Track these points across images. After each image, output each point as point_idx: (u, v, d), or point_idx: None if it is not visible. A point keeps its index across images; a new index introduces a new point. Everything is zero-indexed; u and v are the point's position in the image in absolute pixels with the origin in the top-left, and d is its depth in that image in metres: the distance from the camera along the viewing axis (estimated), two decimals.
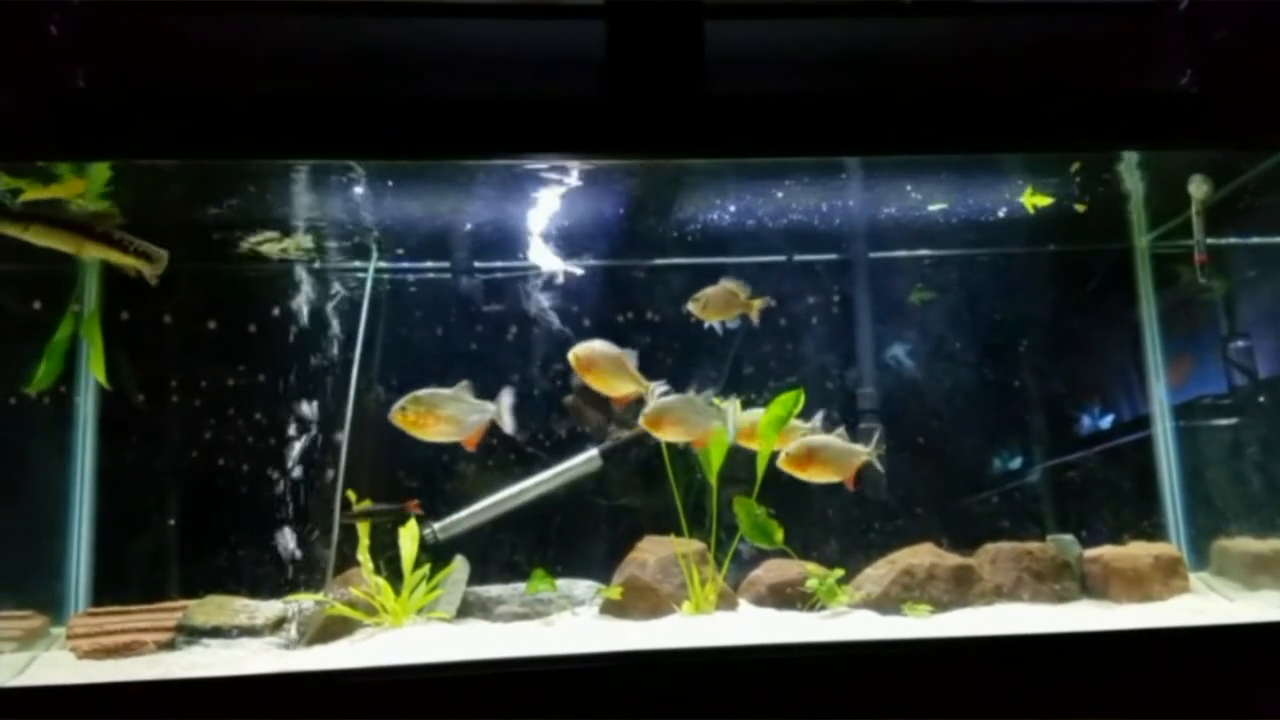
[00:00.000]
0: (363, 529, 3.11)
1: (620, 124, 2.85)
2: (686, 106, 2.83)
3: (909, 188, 3.59)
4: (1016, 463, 3.91)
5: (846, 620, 3.03)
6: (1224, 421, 3.66)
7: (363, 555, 3.11)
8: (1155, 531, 3.60)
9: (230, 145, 2.82)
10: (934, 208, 3.72)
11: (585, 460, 3.63)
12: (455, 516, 3.50)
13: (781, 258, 3.85)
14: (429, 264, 3.83)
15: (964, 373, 3.76)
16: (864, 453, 3.11)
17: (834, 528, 3.55)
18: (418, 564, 3.22)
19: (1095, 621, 2.93)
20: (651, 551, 3.36)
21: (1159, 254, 3.83)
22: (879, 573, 3.30)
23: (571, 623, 3.15)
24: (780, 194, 3.63)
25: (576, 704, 2.49)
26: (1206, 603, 3.13)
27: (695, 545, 3.33)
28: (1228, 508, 3.49)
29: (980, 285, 3.89)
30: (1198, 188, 3.26)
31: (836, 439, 3.12)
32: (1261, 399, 3.47)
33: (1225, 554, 3.40)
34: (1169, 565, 3.27)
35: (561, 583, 3.37)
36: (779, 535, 3.12)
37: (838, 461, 3.08)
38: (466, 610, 3.28)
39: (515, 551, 3.51)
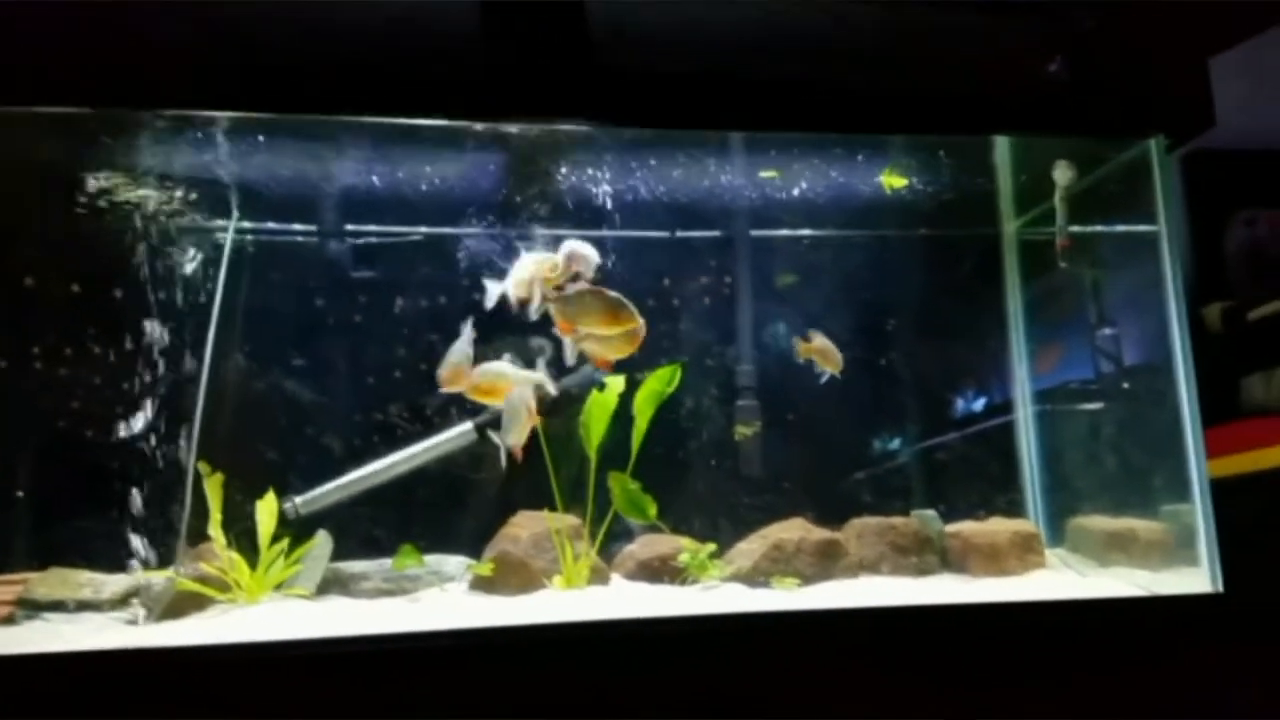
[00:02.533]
0: (214, 498, 3.04)
1: (496, 88, 2.86)
2: (564, 70, 2.85)
3: (788, 169, 3.69)
4: (886, 441, 4.08)
5: (715, 593, 3.12)
6: (1085, 406, 3.89)
7: (214, 529, 3.05)
8: (1014, 509, 3.81)
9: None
10: (812, 190, 3.84)
11: (459, 434, 3.63)
12: (319, 490, 3.46)
13: (664, 233, 3.90)
14: (295, 226, 3.75)
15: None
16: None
17: (708, 503, 3.64)
18: (277, 539, 3.16)
19: (950, 594, 3.09)
20: (525, 527, 3.39)
21: (1027, 240, 4.03)
22: (750, 547, 3.41)
23: (438, 599, 3.15)
24: (664, 170, 3.68)
25: (435, 679, 2.51)
26: (1060, 577, 3.33)
27: (570, 520, 3.37)
28: (1084, 488, 3.72)
29: (857, 268, 4.04)
30: (1062, 173, 3.46)
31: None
32: (1124, 385, 3.69)
33: (1080, 532, 3.63)
34: (1025, 541, 3.48)
35: (431, 559, 3.37)
36: (652, 510, 3.19)
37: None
38: (328, 587, 3.25)
39: (383, 527, 3.48)
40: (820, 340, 3.47)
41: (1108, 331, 3.89)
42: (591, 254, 3.12)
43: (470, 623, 2.72)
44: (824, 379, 3.42)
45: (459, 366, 3.15)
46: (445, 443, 3.63)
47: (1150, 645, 2.73)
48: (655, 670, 2.60)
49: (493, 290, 3.05)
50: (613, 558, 3.47)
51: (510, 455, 3.02)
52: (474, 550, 3.41)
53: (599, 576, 3.30)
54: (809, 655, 2.67)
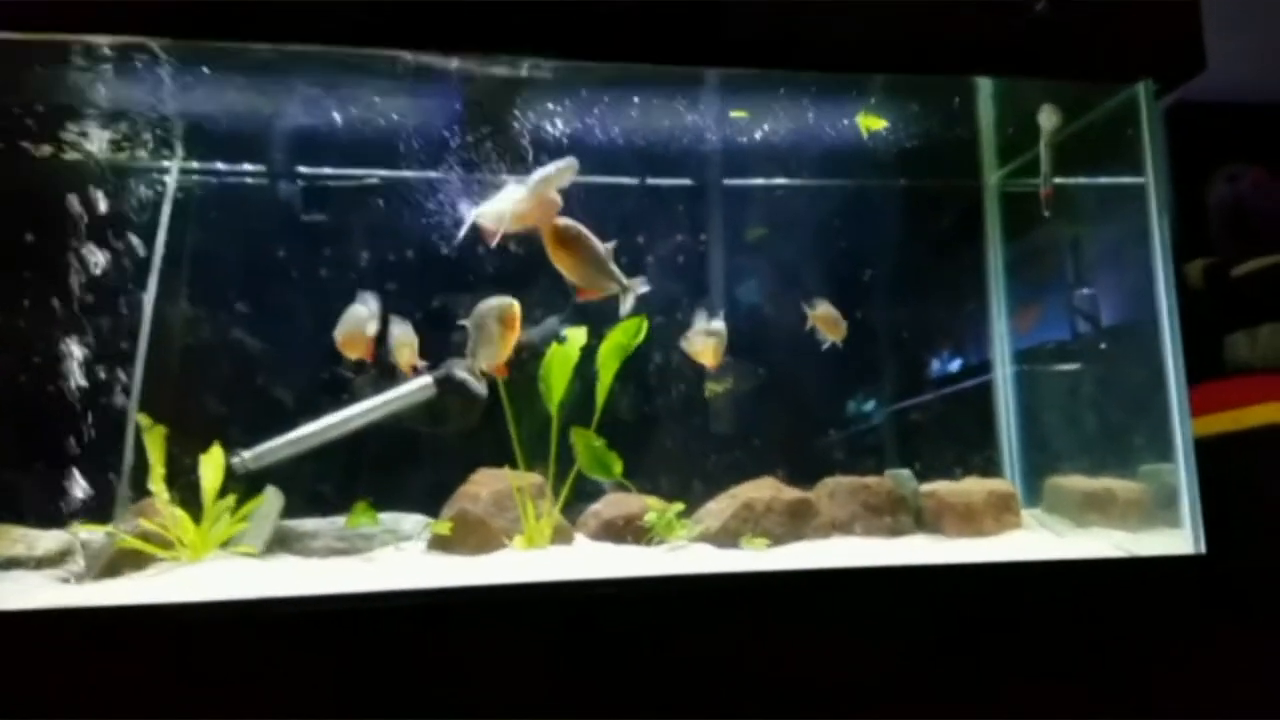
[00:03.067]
0: (155, 452, 2.90)
1: (450, 18, 2.70)
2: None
3: (762, 114, 3.56)
4: (860, 399, 4.00)
5: (681, 554, 3.03)
6: (1064, 366, 3.81)
7: (155, 484, 2.91)
8: (991, 469, 3.74)
9: None
10: (788, 138, 3.71)
11: (418, 387, 3.50)
12: (269, 444, 3.32)
13: (633, 180, 3.76)
14: (244, 167, 3.58)
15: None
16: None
17: (677, 461, 3.54)
18: (223, 494, 3.03)
19: (924, 554, 3.02)
20: (485, 485, 3.28)
21: (1009, 193, 3.93)
22: (719, 506, 3.32)
23: (394, 558, 3.04)
24: (630, 113, 3.54)
25: (389, 641, 2.40)
26: (1036, 538, 3.27)
27: (532, 478, 3.26)
28: (1062, 448, 3.65)
29: (832, 219, 3.93)
30: (1047, 118, 3.35)
31: None
32: (1104, 343, 3.62)
33: (1057, 492, 3.57)
34: (1002, 501, 3.41)
35: (387, 517, 3.26)
36: (617, 468, 3.09)
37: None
38: (278, 545, 3.13)
39: (337, 484, 3.36)
40: (825, 308, 3.36)
41: (1087, 291, 3.81)
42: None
43: (426, 583, 2.61)
44: (825, 346, 3.32)
45: (356, 331, 3.06)
46: (403, 397, 3.50)
47: (1129, 607, 2.67)
48: (618, 632, 2.51)
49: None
50: (577, 517, 3.37)
51: (471, 407, 2.90)
52: (432, 509, 3.30)
53: (562, 536, 3.20)
54: (778, 617, 2.58)
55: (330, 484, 3.40)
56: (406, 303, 3.58)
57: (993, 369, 3.91)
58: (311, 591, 2.55)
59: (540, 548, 3.10)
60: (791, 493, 3.35)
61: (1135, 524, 3.31)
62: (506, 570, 2.85)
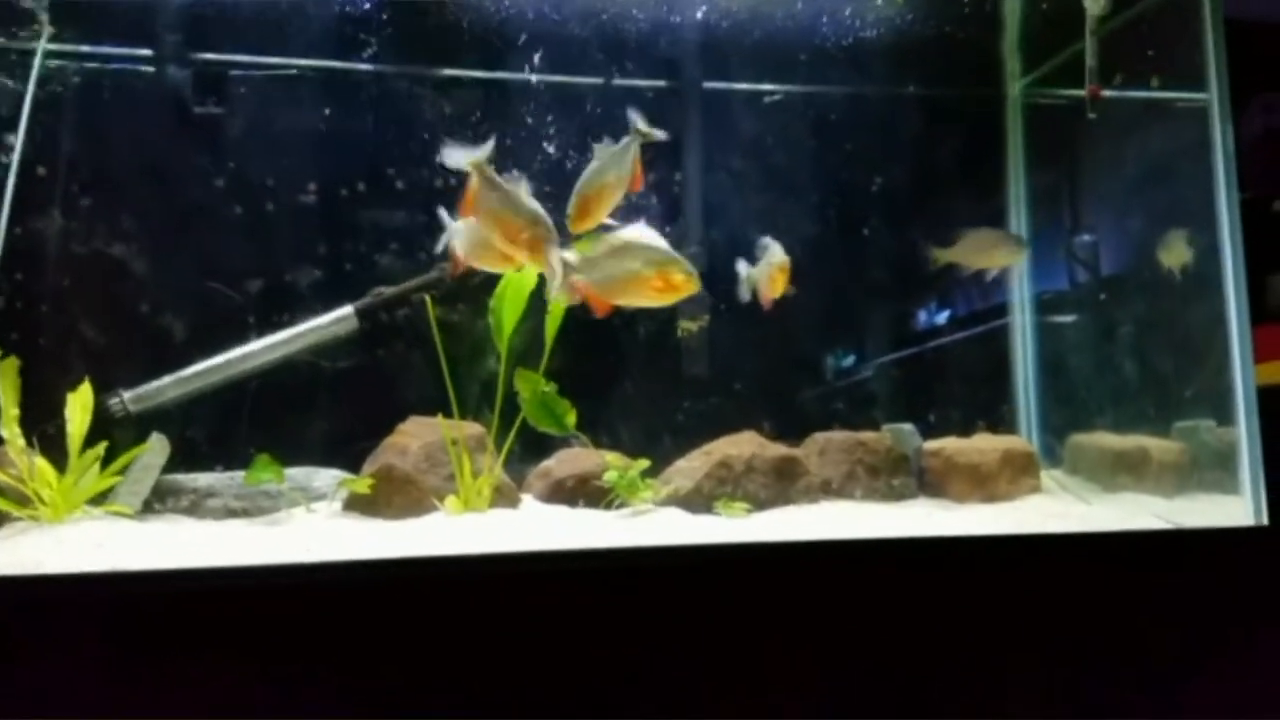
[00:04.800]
0: (6, 389, 2.44)
1: None
2: None
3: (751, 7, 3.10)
4: (857, 343, 3.59)
5: (645, 520, 2.63)
6: (1092, 305, 3.43)
7: (6, 427, 2.46)
8: (1005, 424, 3.37)
9: None
10: (778, 37, 3.26)
11: (336, 319, 3.06)
12: (154, 384, 2.87)
13: (598, 80, 3.30)
14: (127, 51, 3.08)
15: (805, 233, 3.37)
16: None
17: (643, 411, 3.13)
18: (94, 441, 2.59)
19: (928, 524, 2.64)
20: (415, 436, 2.86)
21: (1035, 104, 3.51)
22: (692, 465, 2.93)
23: (301, 522, 2.62)
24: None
25: (290, 624, 1.99)
26: (1059, 504, 2.91)
27: (471, 429, 2.84)
28: (1088, 400, 3.29)
29: (828, 133, 3.49)
30: (1094, 1, 2.92)
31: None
32: (1137, 283, 3.24)
33: (1081, 450, 3.22)
34: (1018, 461, 3.06)
35: (296, 472, 2.84)
36: (570, 419, 2.67)
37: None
38: (161, 503, 2.70)
39: (236, 432, 2.92)
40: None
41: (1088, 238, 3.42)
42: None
43: (335, 554, 2.20)
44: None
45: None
46: (319, 330, 3.05)
47: (1176, 589, 2.31)
48: (566, 615, 2.11)
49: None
50: (524, 475, 2.96)
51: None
52: (352, 464, 2.88)
53: (505, 498, 2.80)
54: (758, 597, 2.19)
55: (229, 432, 2.95)
56: (333, 216, 3.14)
57: (1010, 310, 3.51)
58: (200, 563, 2.13)
59: (478, 511, 2.69)
60: (776, 449, 2.97)
61: (1172, 488, 2.97)
62: (436, 539, 2.44)
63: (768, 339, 3.29)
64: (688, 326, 3.20)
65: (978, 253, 2.96)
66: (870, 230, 3.53)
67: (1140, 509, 2.81)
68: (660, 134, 2.27)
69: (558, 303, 2.77)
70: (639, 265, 2.26)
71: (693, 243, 3.27)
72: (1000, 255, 2.96)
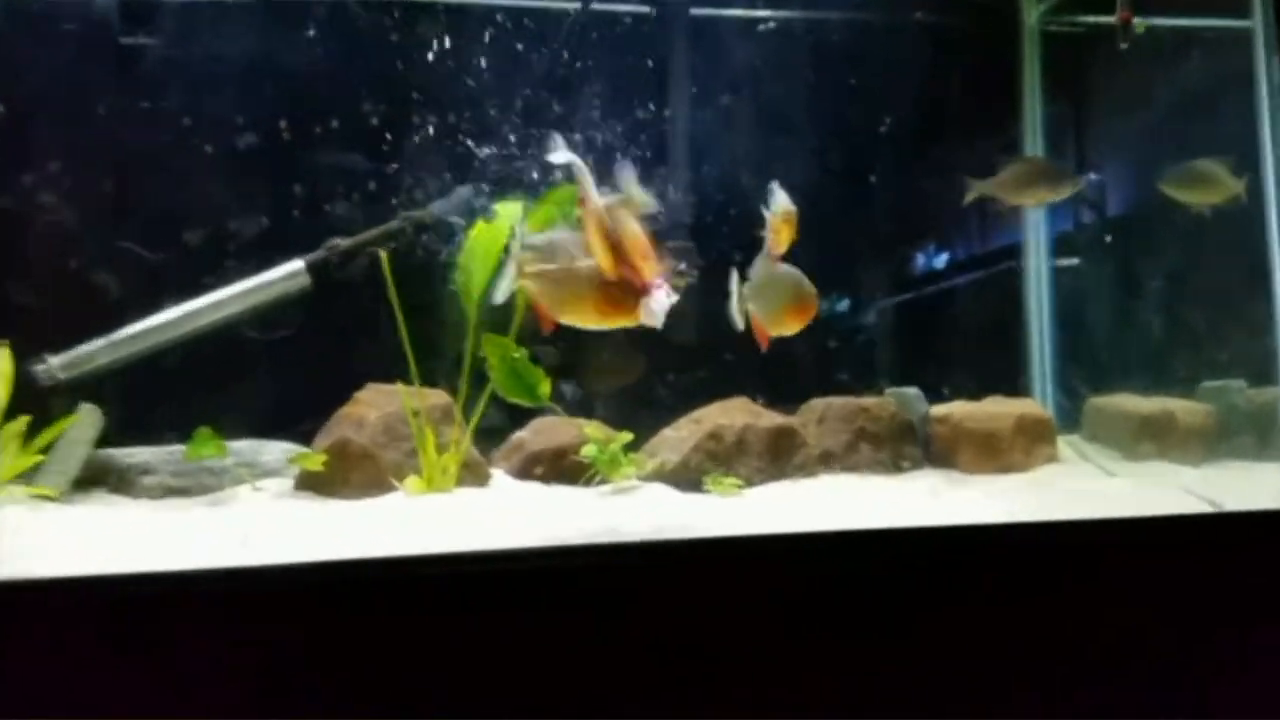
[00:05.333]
0: None
1: None
2: None
3: None
4: (857, 299, 3.33)
5: (629, 500, 2.41)
6: (1107, 261, 3.18)
7: None
8: (1018, 386, 3.14)
9: None
10: None
11: (285, 276, 2.78)
12: (85, 348, 2.61)
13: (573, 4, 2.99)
14: None
15: (801, 178, 3.09)
16: None
17: (625, 378, 2.88)
18: (14, 414, 2.35)
19: (937, 499, 2.43)
20: (374, 405, 2.62)
21: (1054, 33, 3.22)
22: (679, 435, 2.71)
23: (247, 502, 2.39)
24: None
25: (224, 628, 1.75)
26: (1079, 477, 2.69)
27: (436, 398, 2.60)
28: (1108, 359, 3.05)
29: (827, 65, 3.18)
30: None
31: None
32: (1165, 228, 2.99)
33: (1101, 415, 3.01)
34: (1034, 428, 2.85)
35: (244, 446, 2.60)
36: (544, 388, 2.42)
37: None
38: (96, 481, 2.46)
39: (177, 402, 2.66)
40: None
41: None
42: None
43: (273, 547, 1.97)
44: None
45: None
46: (266, 287, 2.78)
47: (1218, 583, 2.09)
48: (539, 621, 1.87)
49: None
50: (495, 448, 2.73)
51: None
52: (306, 437, 2.64)
53: (473, 475, 2.57)
54: (752, 591, 1.96)
55: (169, 402, 2.70)
56: (283, 160, 2.86)
57: (1024, 257, 3.26)
58: (139, 560, 1.88)
59: (443, 490, 2.46)
60: (770, 418, 2.74)
61: (1199, 455, 2.77)
62: (394, 524, 2.20)
63: None
64: (674, 283, 2.93)
65: (1021, 186, 2.68)
66: (870, 172, 3.25)
67: (1168, 480, 2.59)
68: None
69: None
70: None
71: (676, 187, 2.99)
72: (1048, 190, 2.68)
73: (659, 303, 1.83)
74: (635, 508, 2.39)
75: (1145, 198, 3.08)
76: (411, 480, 2.45)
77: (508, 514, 2.29)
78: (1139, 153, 3.13)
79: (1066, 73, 3.19)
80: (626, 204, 1.82)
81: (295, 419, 2.68)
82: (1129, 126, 3.15)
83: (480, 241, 2.53)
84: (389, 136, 2.93)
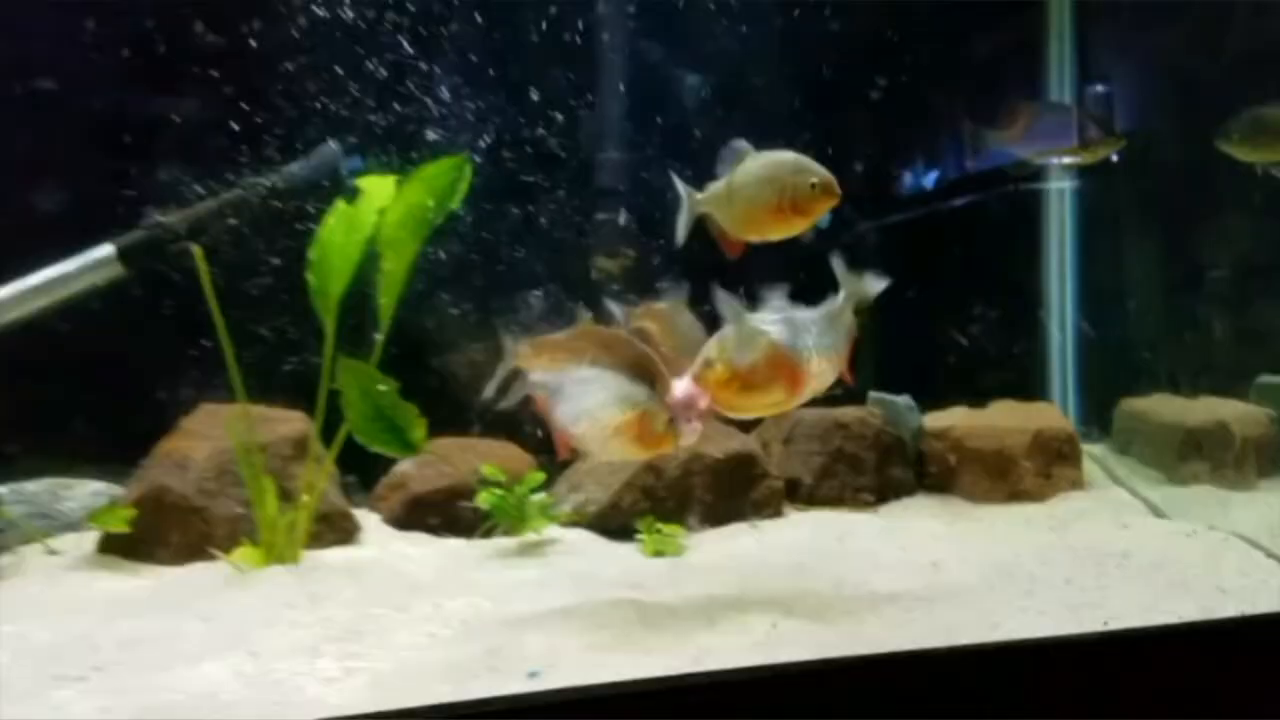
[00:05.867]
0: None
1: None
2: None
3: None
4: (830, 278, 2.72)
5: (534, 566, 1.83)
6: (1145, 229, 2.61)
7: None
8: (1033, 385, 2.58)
9: None
10: None
11: (92, 264, 2.14)
12: None
13: None
14: None
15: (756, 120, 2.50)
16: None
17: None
18: None
19: (927, 549, 1.87)
20: (205, 437, 2.00)
21: None
22: (608, 466, 2.11)
23: (29, 576, 1.80)
24: None
25: None
26: (1111, 512, 2.14)
27: (286, 427, 2.00)
28: (1146, 348, 2.50)
29: None
30: None
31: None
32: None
33: (1135, 422, 2.47)
34: (1053, 444, 2.36)
35: (42, 489, 1.99)
36: (418, 432, 1.80)
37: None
38: None
39: None
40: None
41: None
42: None
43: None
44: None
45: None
46: (68, 279, 2.13)
47: None
48: None
49: None
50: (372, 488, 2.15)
51: None
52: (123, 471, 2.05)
53: (334, 530, 1.96)
54: None
55: None
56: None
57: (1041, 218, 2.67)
58: None
59: (288, 561, 1.86)
60: (724, 441, 2.15)
61: (1258, 472, 2.24)
62: (206, 627, 1.60)
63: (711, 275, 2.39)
64: (605, 266, 2.32)
65: (1042, 138, 2.10)
66: (851, 109, 2.63)
67: (1235, 520, 2.05)
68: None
69: (402, 245, 1.89)
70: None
71: (609, 147, 2.35)
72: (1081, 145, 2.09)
73: None
74: (544, 580, 1.81)
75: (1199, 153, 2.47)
76: (243, 551, 1.84)
77: (367, 610, 1.69)
78: (1188, 101, 2.51)
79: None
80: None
81: (123, 443, 2.07)
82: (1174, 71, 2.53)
83: (338, 230, 1.89)
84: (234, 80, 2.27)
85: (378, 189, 1.93)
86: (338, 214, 1.94)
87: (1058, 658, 1.53)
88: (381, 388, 1.79)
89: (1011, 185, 2.65)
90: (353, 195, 1.91)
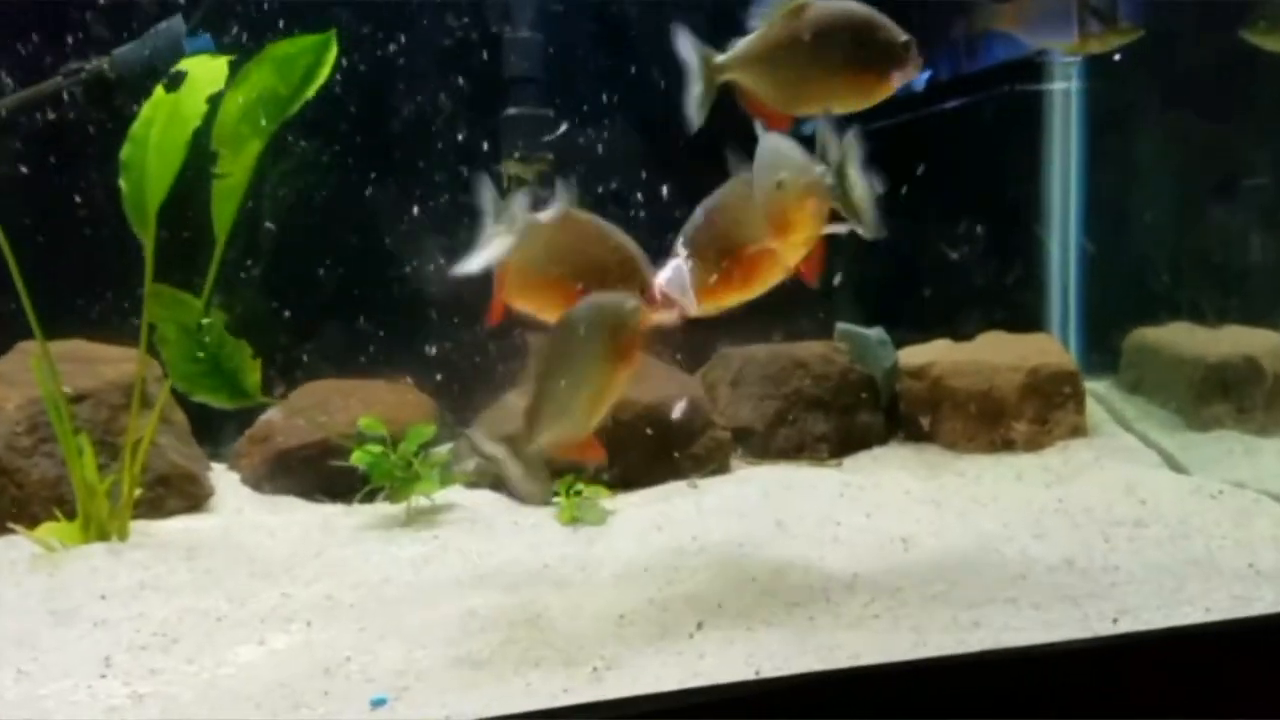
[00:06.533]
0: None
1: None
2: None
3: None
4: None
5: (422, 536, 1.54)
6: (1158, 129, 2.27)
7: None
8: (1026, 314, 2.24)
9: None
10: None
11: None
12: None
13: None
14: None
15: None
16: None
17: (426, 333, 1.91)
18: None
19: (905, 519, 1.56)
20: (19, 384, 1.68)
21: None
22: (515, 413, 1.76)
23: None
24: None
25: None
26: (1121, 463, 1.83)
27: (117, 369, 1.66)
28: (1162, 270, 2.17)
29: None
30: None
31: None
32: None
33: (1148, 357, 2.14)
34: (1051, 385, 2.02)
35: None
36: (252, 379, 1.44)
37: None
38: None
39: None
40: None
41: None
42: None
43: None
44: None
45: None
46: None
47: None
48: None
49: None
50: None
51: None
52: None
53: (180, 494, 1.65)
54: None
55: None
56: None
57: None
58: None
59: (111, 537, 1.52)
60: (662, 383, 1.81)
61: None
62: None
63: (644, 190, 2.01)
64: (519, 172, 1.93)
65: (1050, 22, 1.75)
66: None
67: (1261, 475, 1.73)
68: None
69: (243, 143, 1.51)
70: None
71: (519, 25, 1.95)
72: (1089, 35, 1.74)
73: None
74: (428, 566, 1.47)
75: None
76: (53, 525, 1.50)
77: (194, 602, 1.35)
78: None
79: None
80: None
81: None
82: None
83: (156, 124, 1.50)
84: None
85: (206, 72, 1.53)
86: (155, 104, 1.55)
87: (1052, 670, 1.21)
88: (204, 320, 1.42)
89: (1007, 86, 2.34)
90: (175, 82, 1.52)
